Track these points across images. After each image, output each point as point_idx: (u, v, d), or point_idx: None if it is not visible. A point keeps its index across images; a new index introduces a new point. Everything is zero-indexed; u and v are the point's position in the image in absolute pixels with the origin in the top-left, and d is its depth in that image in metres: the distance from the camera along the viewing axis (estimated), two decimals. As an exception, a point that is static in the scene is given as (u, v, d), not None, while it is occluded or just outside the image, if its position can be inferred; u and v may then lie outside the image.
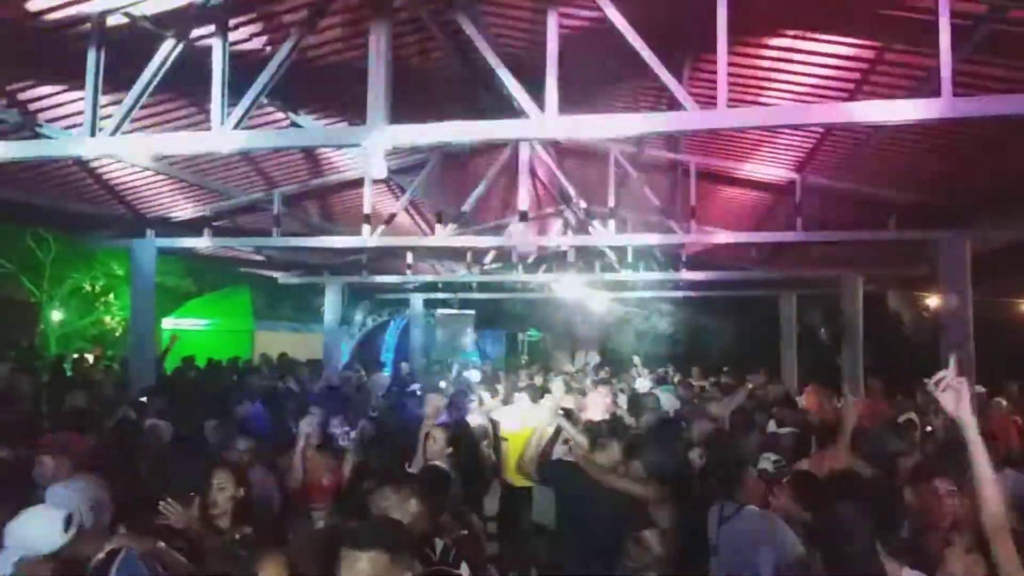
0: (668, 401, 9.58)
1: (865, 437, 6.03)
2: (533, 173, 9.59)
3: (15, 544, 3.19)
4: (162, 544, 3.37)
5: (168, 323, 18.07)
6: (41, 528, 3.22)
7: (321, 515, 5.16)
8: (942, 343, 8.99)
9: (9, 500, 3.56)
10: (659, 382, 12.18)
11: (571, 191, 9.83)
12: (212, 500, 4.08)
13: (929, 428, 7.89)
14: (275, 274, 15.13)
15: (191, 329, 18.74)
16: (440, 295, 18.33)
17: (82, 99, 5.95)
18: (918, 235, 8.79)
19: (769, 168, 8.88)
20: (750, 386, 9.55)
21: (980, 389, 9.65)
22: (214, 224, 10.05)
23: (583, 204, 9.81)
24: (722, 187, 9.97)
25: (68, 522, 3.24)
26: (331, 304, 14.98)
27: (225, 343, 17.99)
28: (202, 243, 9.87)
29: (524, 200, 8.88)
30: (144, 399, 8.26)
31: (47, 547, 3.18)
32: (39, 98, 6.45)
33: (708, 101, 4.70)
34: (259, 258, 13.36)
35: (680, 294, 17.60)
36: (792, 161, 8.49)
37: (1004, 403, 9.52)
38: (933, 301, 10.16)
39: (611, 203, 9.07)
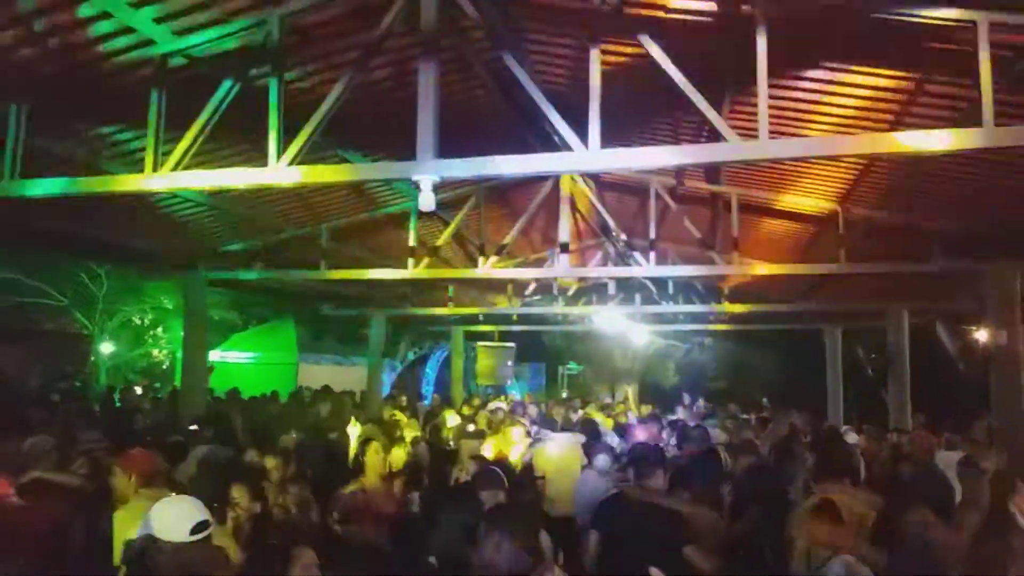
0: (715, 435, 9.54)
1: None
2: (573, 206, 9.70)
3: (147, 528, 3.16)
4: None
5: (215, 355, 18.46)
6: (173, 519, 3.18)
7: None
8: (992, 377, 8.85)
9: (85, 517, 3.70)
10: (706, 416, 12.11)
11: (611, 223, 9.92)
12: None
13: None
14: (321, 307, 15.40)
15: (236, 362, 19.13)
16: (481, 327, 18.47)
17: (141, 137, 6.29)
18: (965, 266, 8.69)
19: (811, 200, 8.87)
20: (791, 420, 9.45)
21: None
22: (263, 258, 10.32)
23: (623, 236, 9.88)
24: (763, 219, 9.97)
25: (199, 528, 3.17)
26: (375, 336, 15.18)
27: (270, 375, 18.30)
28: (251, 276, 10.13)
29: (565, 232, 9.00)
30: (194, 428, 8.45)
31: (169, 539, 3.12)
32: (102, 136, 6.77)
33: (748, 133, 4.78)
34: (306, 291, 13.64)
35: (721, 327, 17.49)
36: (834, 192, 8.49)
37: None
38: (982, 334, 9.97)
39: (652, 235, 9.14)
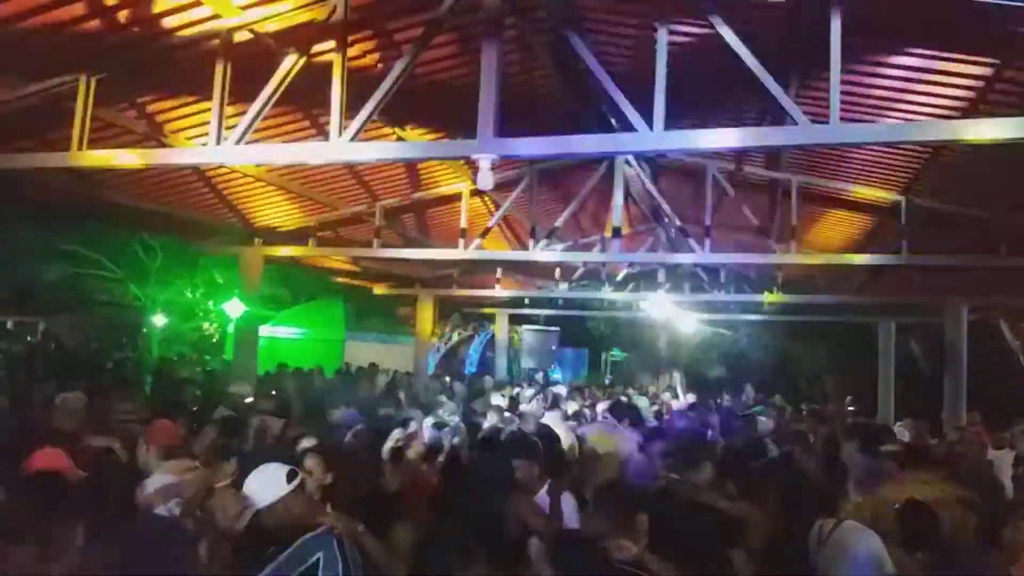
0: (764, 425, 9.42)
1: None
2: (627, 191, 9.60)
3: (249, 494, 3.57)
4: (362, 528, 3.61)
5: (265, 331, 18.75)
6: (267, 479, 3.54)
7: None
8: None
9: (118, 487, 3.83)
10: (754, 406, 11.96)
11: (665, 208, 9.79)
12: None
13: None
14: (370, 285, 15.52)
15: (286, 337, 19.41)
16: (526, 311, 18.46)
17: (204, 111, 6.36)
18: (1027, 261, 8.42)
19: (873, 189, 8.66)
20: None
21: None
22: (317, 234, 10.43)
23: (677, 222, 9.76)
24: (823, 207, 9.77)
25: (291, 476, 3.55)
26: (422, 316, 15.27)
27: (317, 351, 18.54)
28: (307, 252, 10.25)
29: (618, 216, 8.91)
30: (251, 399, 8.59)
31: (272, 496, 3.49)
32: (165, 110, 6.86)
33: (817, 118, 4.66)
34: (356, 269, 13.75)
35: (772, 317, 17.23)
36: (898, 182, 8.27)
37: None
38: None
39: (707, 221, 9.00)
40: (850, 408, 13.00)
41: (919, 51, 5.42)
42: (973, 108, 5.81)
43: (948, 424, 11.10)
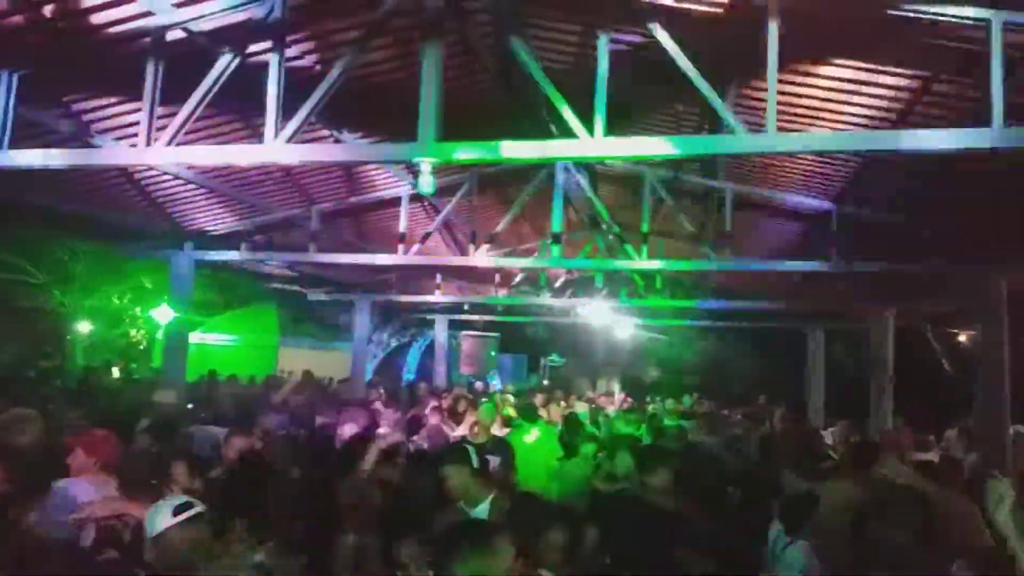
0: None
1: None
2: (566, 197, 9.65)
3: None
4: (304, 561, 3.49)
5: (195, 337, 18.25)
6: (157, 508, 3.44)
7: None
8: (977, 381, 8.90)
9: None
10: (685, 416, 12.09)
11: (604, 215, 9.87)
12: None
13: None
14: (306, 290, 15.24)
15: (217, 344, 18.94)
16: (465, 317, 18.38)
17: (133, 111, 6.15)
18: (955, 270, 8.73)
19: (806, 198, 8.87)
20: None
21: (1021, 429, 9.54)
22: (251, 239, 10.18)
23: (615, 229, 9.84)
24: (757, 215, 9.97)
25: (180, 509, 3.40)
26: (359, 322, 15.06)
27: (250, 358, 18.15)
28: (239, 256, 10.00)
29: (558, 222, 8.94)
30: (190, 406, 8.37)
31: (157, 527, 3.36)
32: (92, 109, 6.61)
33: (753, 127, 4.75)
34: (291, 274, 13.48)
35: (707, 324, 17.54)
36: (830, 191, 8.49)
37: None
38: (967, 337, 10.06)
39: (645, 228, 9.10)
40: (781, 412, 13.28)
41: (852, 63, 5.56)
42: (902, 120, 5.99)
43: (874, 428, 11.43)
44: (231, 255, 10.12)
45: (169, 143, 5.23)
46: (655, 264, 9.67)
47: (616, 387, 20.52)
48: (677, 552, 4.40)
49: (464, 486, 4.42)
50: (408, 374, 21.06)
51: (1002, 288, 8.65)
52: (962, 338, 12.18)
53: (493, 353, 19.65)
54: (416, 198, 9.89)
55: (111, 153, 5.92)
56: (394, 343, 20.72)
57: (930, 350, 12.54)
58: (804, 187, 8.63)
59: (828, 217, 8.82)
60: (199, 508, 3.47)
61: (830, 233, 8.80)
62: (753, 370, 20.62)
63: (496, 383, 19.56)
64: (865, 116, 6.15)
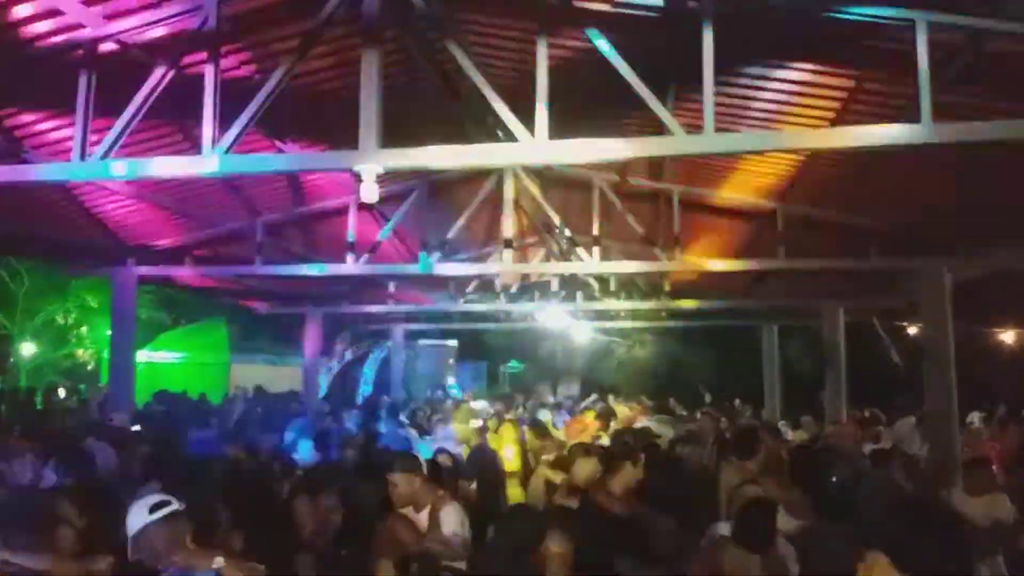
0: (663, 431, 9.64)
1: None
2: (517, 203, 9.66)
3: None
4: (221, 560, 3.45)
5: (142, 355, 17.86)
6: (134, 510, 3.47)
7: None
8: (924, 373, 9.09)
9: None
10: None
11: (555, 220, 9.90)
12: None
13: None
14: (255, 305, 15.01)
15: (166, 362, 18.54)
16: (421, 326, 18.27)
17: (67, 126, 5.99)
18: (898, 264, 8.91)
19: (751, 197, 8.99)
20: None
21: (975, 417, 9.80)
22: (195, 253, 10.00)
23: (567, 233, 9.88)
24: (705, 216, 10.08)
25: (155, 508, 3.43)
26: (311, 335, 14.87)
27: (201, 376, 17.78)
28: (184, 271, 9.81)
29: (509, 228, 8.94)
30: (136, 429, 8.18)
31: (135, 527, 3.41)
32: (23, 124, 6.43)
33: (694, 128, 4.79)
34: (238, 288, 13.27)
35: (662, 324, 17.68)
36: (773, 190, 8.62)
37: (976, 424, 9.69)
38: (915, 330, 10.30)
39: (595, 231, 9.14)
40: (740, 409, 13.47)
41: (788, 64, 5.65)
42: (839, 119, 6.10)
43: (828, 421, 11.63)
44: (175, 270, 9.92)
45: (104, 156, 5.11)
46: (606, 266, 9.72)
47: (576, 391, 20.59)
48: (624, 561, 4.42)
49: (412, 494, 4.43)
50: (365, 387, 20.83)
51: (945, 280, 8.84)
52: (912, 331, 12.43)
53: (451, 361, 19.53)
54: (365, 207, 9.80)
55: (44, 169, 5.74)
56: (349, 356, 20.47)
57: (881, 343, 12.81)
58: (748, 186, 8.74)
59: (774, 216, 8.95)
60: (176, 505, 3.50)
61: (777, 231, 8.92)
62: (712, 369, 20.83)
63: (455, 391, 19.44)
64: (805, 116, 6.25)
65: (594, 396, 14.64)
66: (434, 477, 4.95)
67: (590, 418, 10.27)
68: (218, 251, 10.42)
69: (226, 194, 8.84)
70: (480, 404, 12.51)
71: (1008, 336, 12.60)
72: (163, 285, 13.79)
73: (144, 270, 9.87)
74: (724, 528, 4.57)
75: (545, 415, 11.34)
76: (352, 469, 6.59)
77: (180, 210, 8.75)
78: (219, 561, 3.46)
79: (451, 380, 20.36)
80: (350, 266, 9.32)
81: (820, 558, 4.28)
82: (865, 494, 5.74)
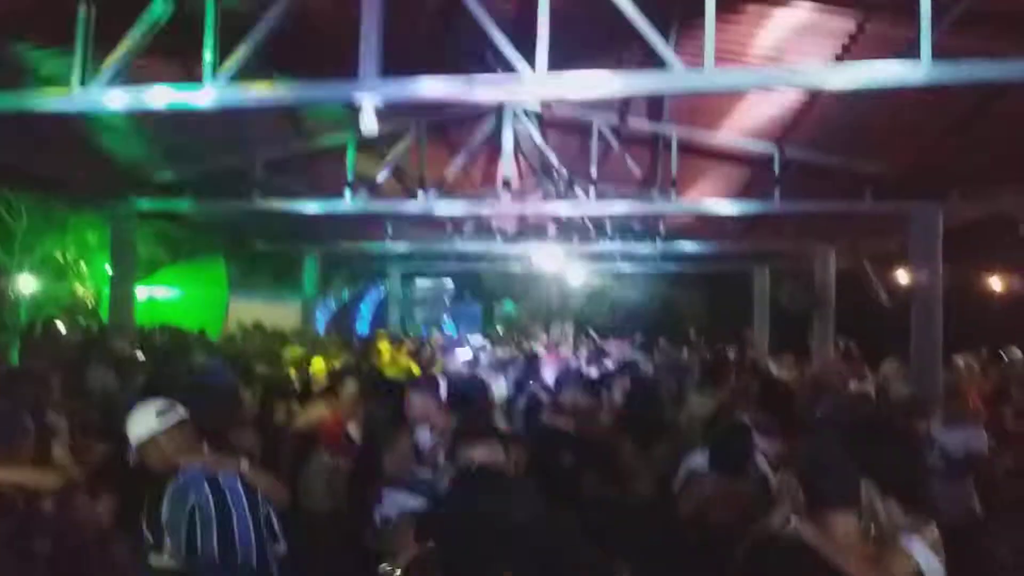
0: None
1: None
2: (516, 144, 9.65)
3: (128, 435, 3.55)
4: (246, 463, 3.58)
5: (142, 291, 17.94)
6: (139, 416, 3.55)
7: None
8: (912, 316, 9.23)
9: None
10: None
11: (553, 161, 9.92)
12: None
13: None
14: (253, 242, 15.04)
15: (165, 298, 18.64)
16: (418, 266, 18.34)
17: (66, 54, 5.96)
18: (893, 207, 8.97)
19: (749, 140, 9.00)
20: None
21: (959, 359, 10.00)
22: (194, 189, 10.01)
23: (565, 174, 9.91)
24: (702, 159, 10.10)
25: (162, 412, 3.53)
26: (309, 272, 14.95)
27: (199, 313, 17.91)
28: (183, 207, 9.84)
29: (507, 167, 8.97)
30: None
31: (143, 433, 3.48)
32: (22, 53, 6.39)
33: (694, 65, 4.81)
34: (237, 226, 13.30)
35: (657, 267, 17.79)
36: (771, 132, 8.63)
37: (963, 364, 9.91)
38: (905, 274, 10.42)
39: (593, 174, 9.17)
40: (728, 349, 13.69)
41: (791, 2, 5.63)
42: (841, 60, 6.10)
43: (817, 362, 11.84)
44: (175, 205, 9.95)
45: (104, 85, 5.13)
46: (602, 207, 9.77)
47: (570, 332, 20.80)
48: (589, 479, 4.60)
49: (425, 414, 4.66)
50: (362, 325, 21.03)
51: (937, 223, 8.93)
52: (901, 274, 12.55)
53: (447, 301, 19.65)
54: (363, 146, 9.80)
55: (42, 97, 5.73)
56: (346, 294, 20.62)
57: (872, 288, 12.94)
58: (746, 128, 8.74)
59: (771, 159, 8.97)
60: (183, 413, 3.57)
61: (773, 175, 8.96)
62: (705, 312, 21.02)
63: (450, 330, 19.65)
64: (803, 55, 6.25)
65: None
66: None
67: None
68: (217, 187, 10.42)
69: (225, 129, 8.81)
70: (476, 340, 12.70)
71: (995, 281, 12.74)
72: (162, 221, 13.77)
73: (143, 204, 9.88)
74: (700, 458, 4.73)
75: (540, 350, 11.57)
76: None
77: (179, 144, 8.74)
78: (244, 464, 3.59)
79: (447, 319, 20.53)
80: (348, 203, 9.36)
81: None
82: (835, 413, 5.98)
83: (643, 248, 14.26)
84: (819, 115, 7.76)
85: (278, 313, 19.59)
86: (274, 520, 3.76)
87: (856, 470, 2.67)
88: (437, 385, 5.44)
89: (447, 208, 10.21)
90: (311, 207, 9.87)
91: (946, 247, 8.99)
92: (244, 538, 3.54)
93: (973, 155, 7.60)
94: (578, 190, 9.84)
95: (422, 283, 19.52)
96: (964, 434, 6.18)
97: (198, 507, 3.44)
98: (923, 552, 2.73)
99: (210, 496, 3.47)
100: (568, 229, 14.28)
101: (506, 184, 9.07)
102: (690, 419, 6.28)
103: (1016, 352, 11.12)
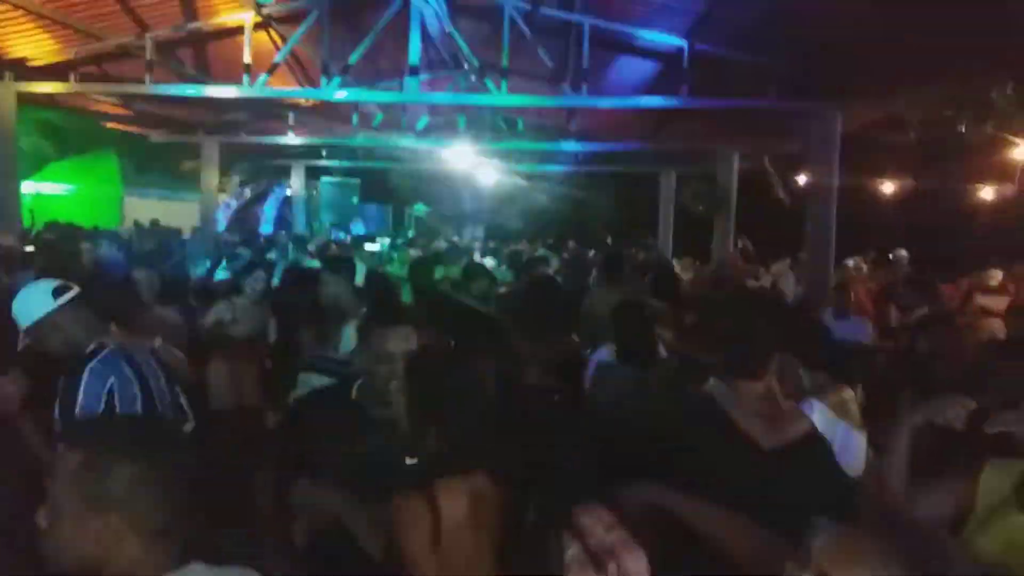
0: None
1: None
2: (424, 29, 9.31)
3: (16, 317, 3.30)
4: (159, 341, 3.43)
5: (28, 187, 16.89)
6: (30, 296, 3.30)
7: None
8: (807, 217, 9.55)
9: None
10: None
11: (463, 49, 9.64)
12: None
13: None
14: (147, 132, 14.24)
15: (54, 194, 17.63)
16: (323, 162, 17.76)
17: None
18: (794, 105, 9.13)
19: (660, 34, 8.96)
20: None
21: (851, 260, 10.49)
22: (80, 70, 9.34)
23: (475, 63, 9.65)
24: (614, 54, 10.02)
25: (59, 292, 3.28)
26: (207, 166, 14.32)
27: (92, 210, 17.04)
28: (67, 88, 9.19)
29: (415, 53, 8.68)
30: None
31: (37, 314, 3.24)
32: None
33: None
34: (128, 113, 12.55)
35: (568, 170, 17.83)
36: (682, 27, 8.60)
37: (853, 263, 10.44)
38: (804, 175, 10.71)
39: (504, 63, 8.98)
40: (635, 249, 13.99)
41: None
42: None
43: (717, 260, 12.23)
44: (58, 87, 9.28)
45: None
46: (515, 100, 9.63)
47: (480, 234, 20.78)
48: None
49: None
50: (265, 226, 20.45)
51: (836, 125, 9.16)
52: (802, 177, 12.94)
53: (355, 201, 19.16)
54: (262, 25, 9.30)
55: None
56: (248, 193, 19.91)
57: (774, 189, 13.30)
58: (658, 22, 8.68)
59: (680, 55, 8.97)
60: (77, 289, 3.37)
61: (682, 70, 8.97)
62: (612, 214, 21.30)
63: (360, 232, 19.31)
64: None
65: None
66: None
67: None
68: (105, 69, 9.77)
69: (112, 4, 8.20)
70: (386, 242, 12.56)
71: (887, 185, 13.29)
72: (46, 108, 12.86)
73: (23, 87, 9.18)
74: (605, 352, 4.78)
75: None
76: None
77: (63, 20, 8.09)
78: (158, 341, 3.47)
79: (355, 220, 20.16)
80: (246, 88, 8.92)
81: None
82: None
83: (554, 148, 14.22)
84: (729, 10, 7.75)
85: (175, 210, 18.89)
86: (182, 398, 3.69)
87: (764, 343, 2.78)
88: (352, 272, 5.33)
89: (352, 95, 9.85)
90: (207, 91, 9.37)
91: (843, 152, 9.25)
92: (166, 415, 3.46)
93: (872, 56, 7.75)
94: (489, 83, 9.62)
95: (328, 182, 18.91)
96: (851, 327, 6.53)
97: (118, 388, 3.31)
98: (820, 412, 2.91)
99: (131, 375, 3.35)
100: (479, 126, 14.08)
101: (413, 71, 8.79)
102: (594, 314, 6.43)
103: (902, 253, 11.74)
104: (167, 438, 1.80)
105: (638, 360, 4.55)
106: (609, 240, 16.54)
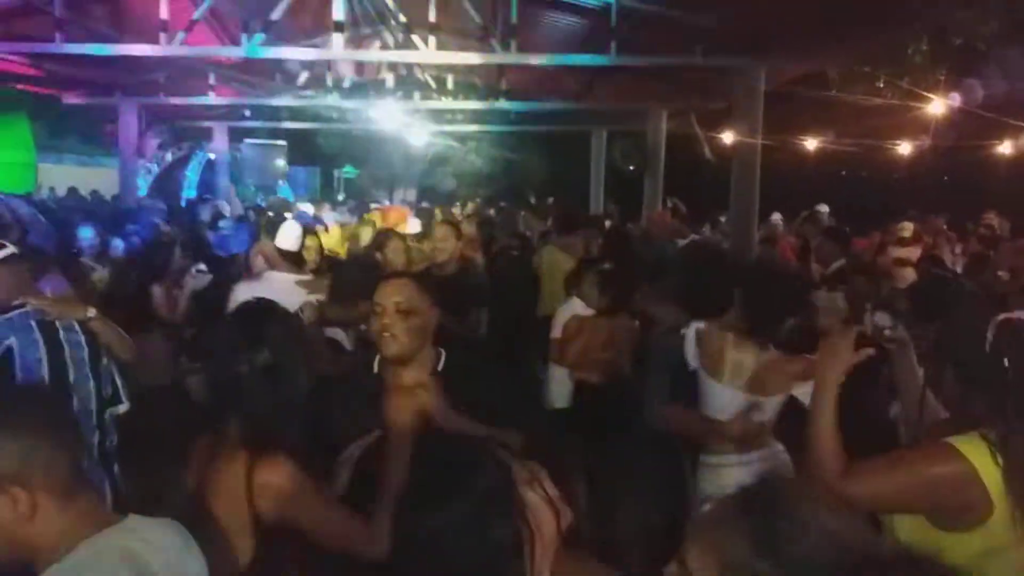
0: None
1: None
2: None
3: None
4: (93, 312, 3.33)
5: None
6: None
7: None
8: (732, 173, 9.71)
9: None
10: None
11: (390, 5, 9.47)
12: None
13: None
14: (61, 94, 13.59)
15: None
16: (247, 124, 17.22)
17: None
18: (721, 62, 9.23)
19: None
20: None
21: (776, 217, 10.76)
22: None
23: (402, 19, 9.49)
24: (543, 10, 9.99)
25: None
26: (125, 130, 13.79)
27: (3, 177, 16.26)
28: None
29: (339, 11, 8.48)
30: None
31: None
32: None
33: None
34: (39, 73, 11.94)
35: (498, 129, 17.76)
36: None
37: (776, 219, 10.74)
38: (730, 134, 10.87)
39: (432, 18, 8.86)
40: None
41: None
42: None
43: (645, 218, 12.43)
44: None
45: None
46: (443, 56, 9.51)
47: (413, 196, 20.58)
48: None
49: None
50: (189, 190, 19.84)
51: (759, 82, 9.31)
52: (727, 135, 13.17)
53: (281, 163, 18.64)
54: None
55: None
56: (170, 157, 19.23)
57: (700, 147, 13.50)
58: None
59: (608, 11, 8.96)
60: (13, 248, 3.31)
61: (610, 28, 8.97)
62: (544, 175, 21.33)
63: (287, 195, 18.87)
64: None
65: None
66: None
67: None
68: (10, 26, 9.27)
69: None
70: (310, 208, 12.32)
71: (810, 143, 13.60)
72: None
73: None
74: (577, 305, 5.02)
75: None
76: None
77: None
78: (91, 312, 3.38)
79: (282, 184, 19.69)
80: (163, 47, 8.58)
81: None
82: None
83: (484, 106, 14.13)
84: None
85: (93, 176, 18.21)
86: (116, 376, 3.60)
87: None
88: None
89: (276, 53, 9.57)
90: (121, 50, 8.99)
91: (767, 108, 9.41)
92: (82, 388, 3.37)
93: (794, 13, 7.85)
94: (417, 40, 9.47)
95: (252, 144, 18.33)
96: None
97: (18, 350, 3.20)
98: (689, 340, 3.54)
99: (40, 339, 3.24)
100: (408, 85, 13.88)
101: (338, 27, 8.59)
102: (551, 271, 6.58)
103: (824, 208, 12.10)
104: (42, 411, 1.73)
105: (608, 309, 4.91)
106: (533, 200, 16.60)
